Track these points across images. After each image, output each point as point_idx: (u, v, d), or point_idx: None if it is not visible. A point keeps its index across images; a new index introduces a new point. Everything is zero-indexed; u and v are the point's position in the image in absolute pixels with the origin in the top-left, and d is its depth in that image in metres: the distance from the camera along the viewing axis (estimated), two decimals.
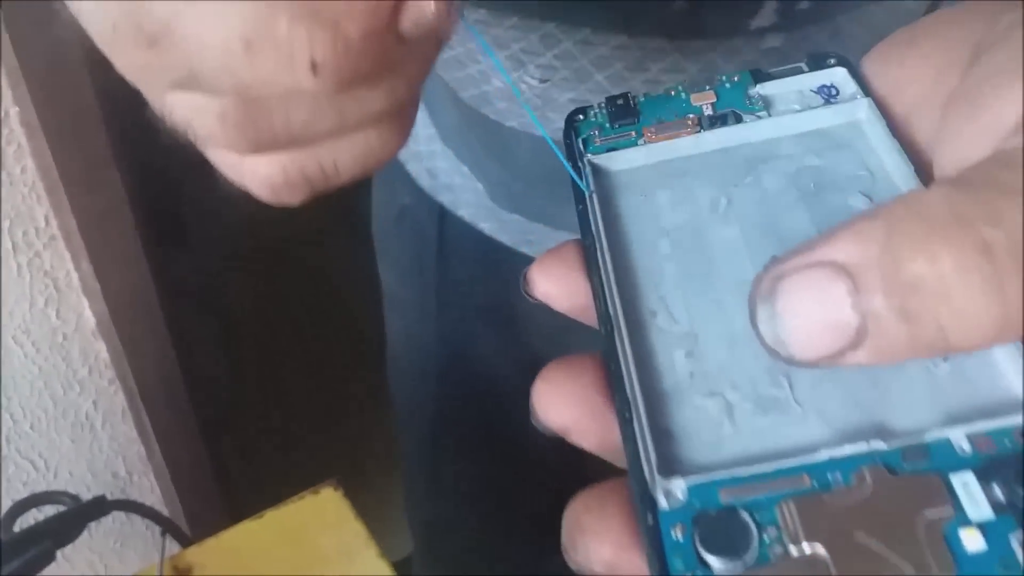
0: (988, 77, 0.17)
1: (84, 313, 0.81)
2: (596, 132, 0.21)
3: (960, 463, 0.14)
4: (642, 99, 0.21)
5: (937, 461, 0.14)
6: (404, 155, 0.53)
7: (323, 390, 1.34)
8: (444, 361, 0.59)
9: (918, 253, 0.13)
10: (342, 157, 0.18)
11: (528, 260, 0.58)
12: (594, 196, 0.20)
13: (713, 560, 0.14)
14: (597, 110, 0.22)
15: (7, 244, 0.73)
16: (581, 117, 0.22)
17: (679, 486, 0.15)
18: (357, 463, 0.93)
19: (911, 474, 0.14)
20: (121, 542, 0.94)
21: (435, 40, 0.17)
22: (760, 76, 0.21)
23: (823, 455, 0.15)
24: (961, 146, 0.16)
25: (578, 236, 0.19)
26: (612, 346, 0.17)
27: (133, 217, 0.76)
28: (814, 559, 0.14)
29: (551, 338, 0.55)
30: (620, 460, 0.16)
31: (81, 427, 0.88)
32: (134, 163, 0.79)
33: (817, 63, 0.21)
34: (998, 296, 0.13)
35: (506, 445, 0.65)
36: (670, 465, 0.15)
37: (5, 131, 0.69)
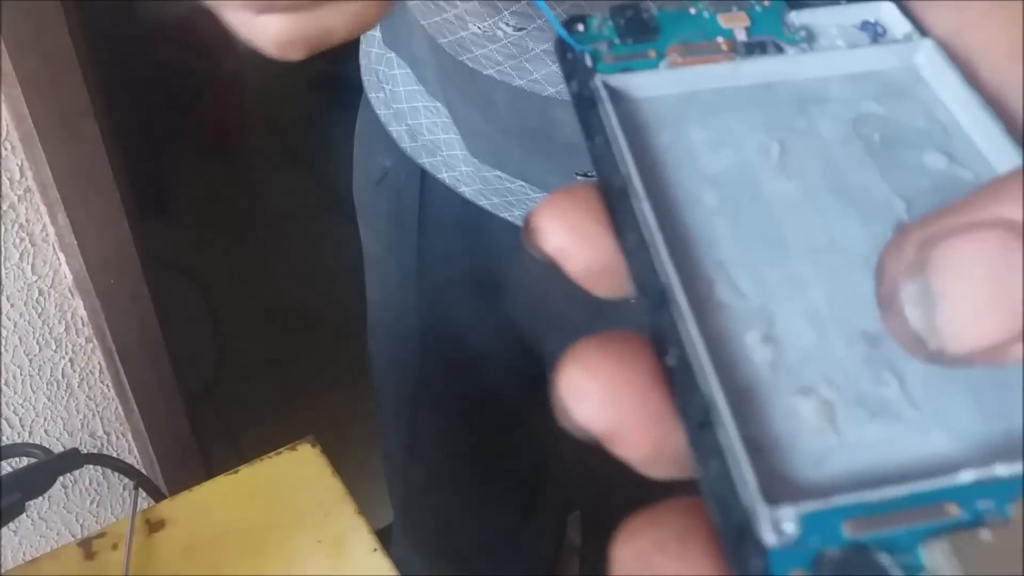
0: None
1: (60, 269, 0.79)
2: (605, 47, 0.17)
3: None
4: (658, 13, 0.17)
5: None
6: (385, 116, 0.52)
7: (306, 358, 1.33)
8: (424, 326, 0.58)
9: None
10: (336, 22, 0.20)
11: (509, 226, 0.57)
12: (616, 124, 0.15)
13: None
14: (600, 21, 0.17)
15: None
16: (581, 27, 0.17)
17: (791, 516, 0.11)
18: (340, 433, 0.92)
19: None
20: (97, 502, 0.93)
21: None
22: (795, 3, 0.18)
23: (968, 476, 0.11)
24: None
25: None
26: (669, 323, 0.13)
27: (112, 171, 0.75)
28: None
29: (532, 305, 0.55)
30: (667, 472, 0.13)
31: (57, 385, 0.87)
32: (116, 122, 0.77)
33: None
34: None
35: (485, 411, 0.64)
36: (773, 488, 0.11)
37: None
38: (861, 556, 0.11)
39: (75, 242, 0.75)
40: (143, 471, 0.51)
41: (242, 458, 0.50)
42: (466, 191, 0.49)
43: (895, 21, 0.18)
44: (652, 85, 0.17)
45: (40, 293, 0.80)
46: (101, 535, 0.46)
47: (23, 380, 0.84)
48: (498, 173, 0.47)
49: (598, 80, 0.16)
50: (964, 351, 0.11)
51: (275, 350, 1.32)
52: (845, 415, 0.12)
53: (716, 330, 0.13)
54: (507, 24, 0.39)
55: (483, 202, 0.49)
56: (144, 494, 0.52)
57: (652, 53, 0.17)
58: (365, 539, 0.45)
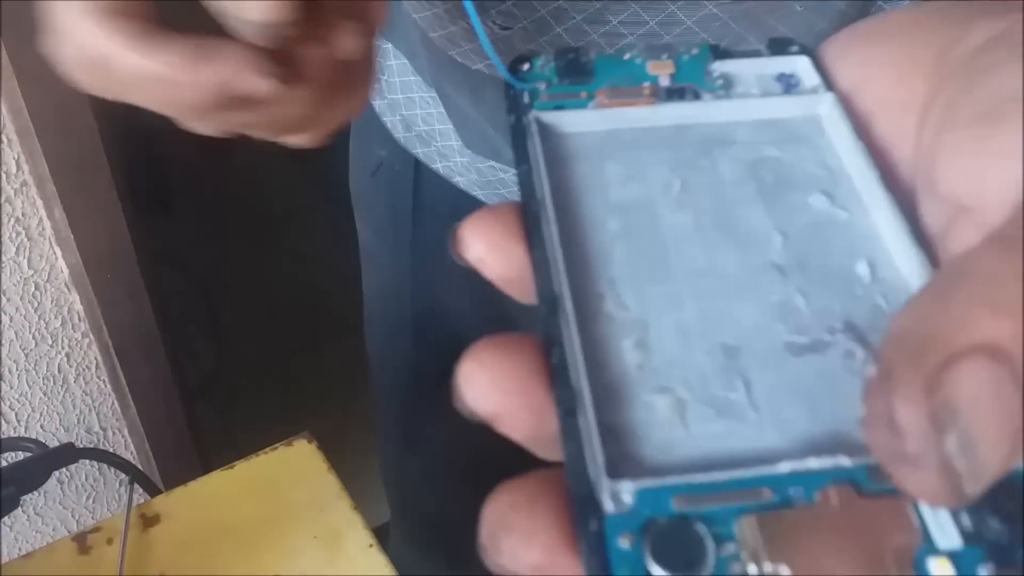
0: (993, 109, 0.15)
1: (57, 263, 0.79)
2: (544, 86, 0.19)
3: None
4: (595, 58, 0.20)
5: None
6: (380, 106, 0.52)
7: (303, 354, 1.33)
8: (419, 317, 0.58)
9: None
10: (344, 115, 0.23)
11: None
12: (540, 155, 0.18)
13: (663, 574, 0.13)
14: (544, 62, 0.20)
15: None
16: (526, 67, 0.20)
17: (628, 489, 0.13)
18: (337, 429, 0.92)
19: (878, 495, 0.13)
20: (93, 497, 0.93)
21: None
22: (719, 53, 0.20)
23: (785, 467, 0.14)
24: (974, 180, 0.15)
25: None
26: (555, 328, 0.15)
27: (109, 167, 0.74)
28: None
29: None
30: (551, 454, 0.15)
31: (53, 380, 0.87)
32: (114, 120, 0.77)
33: (779, 48, 0.20)
34: None
35: None
36: (618, 466, 0.14)
37: None
38: (682, 525, 0.13)
39: (71, 236, 0.75)
40: (139, 467, 0.51)
41: (239, 454, 0.50)
42: (460, 181, 0.49)
43: (808, 74, 0.19)
44: (578, 122, 0.19)
45: (36, 288, 0.80)
46: (96, 529, 0.46)
47: (19, 375, 0.84)
48: (492, 163, 0.47)
49: (532, 115, 0.19)
50: (987, 481, 0.12)
51: (273, 345, 1.32)
52: (694, 412, 0.15)
53: (596, 336, 0.16)
54: (494, 23, 0.39)
55: (477, 192, 0.49)
56: (140, 489, 0.52)
57: (584, 94, 0.19)
58: (361, 535, 0.45)
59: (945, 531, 0.13)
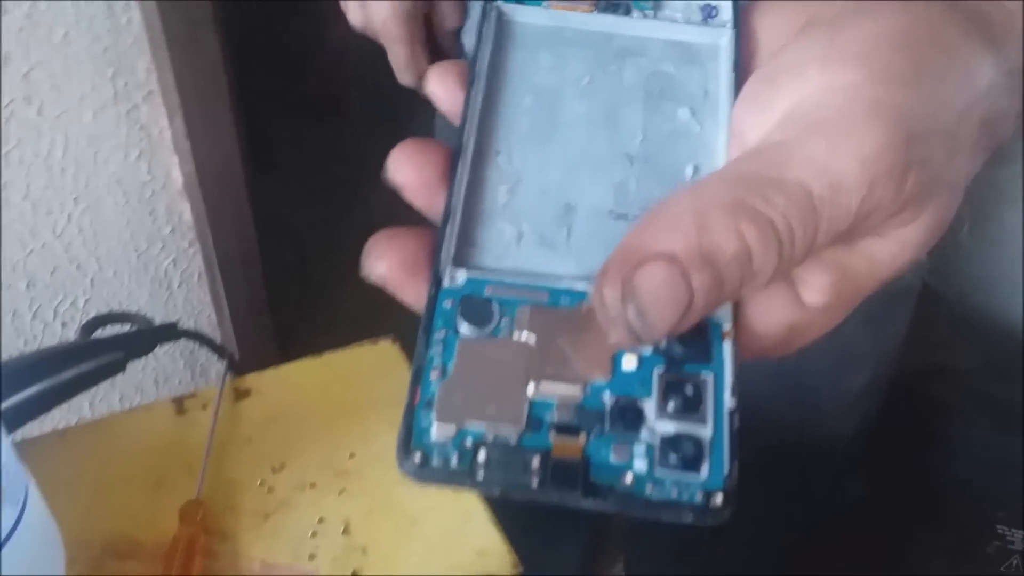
0: (783, 66, 0.21)
1: (173, 172, 0.84)
2: None
3: None
4: None
5: None
6: None
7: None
8: None
9: (727, 234, 0.18)
10: None
11: None
12: (491, 36, 0.23)
13: (463, 326, 0.20)
14: None
15: (109, 92, 0.76)
16: None
17: (461, 275, 0.20)
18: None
19: None
20: (188, 377, 0.98)
21: None
22: None
23: (563, 284, 0.20)
24: (749, 119, 0.21)
25: None
26: (455, 164, 0.21)
27: (227, 80, 0.78)
28: (525, 344, 0.19)
29: None
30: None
31: (159, 284, 0.92)
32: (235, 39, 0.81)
33: None
34: (776, 255, 0.18)
35: None
36: (461, 259, 0.21)
37: None
38: (485, 303, 0.20)
39: (189, 147, 0.80)
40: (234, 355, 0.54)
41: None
42: None
43: (726, 9, 0.24)
44: (528, 16, 0.24)
45: (152, 193, 0.85)
46: (192, 395, 0.49)
47: (129, 275, 0.89)
48: None
49: (495, 3, 0.24)
50: (664, 332, 0.19)
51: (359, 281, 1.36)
52: (527, 241, 0.21)
53: (482, 177, 0.22)
54: None
55: None
56: (231, 375, 0.55)
57: None
58: None
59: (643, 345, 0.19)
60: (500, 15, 0.24)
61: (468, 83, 0.22)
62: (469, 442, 0.19)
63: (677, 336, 0.19)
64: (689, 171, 0.22)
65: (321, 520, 0.43)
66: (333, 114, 1.56)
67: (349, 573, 0.40)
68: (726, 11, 0.24)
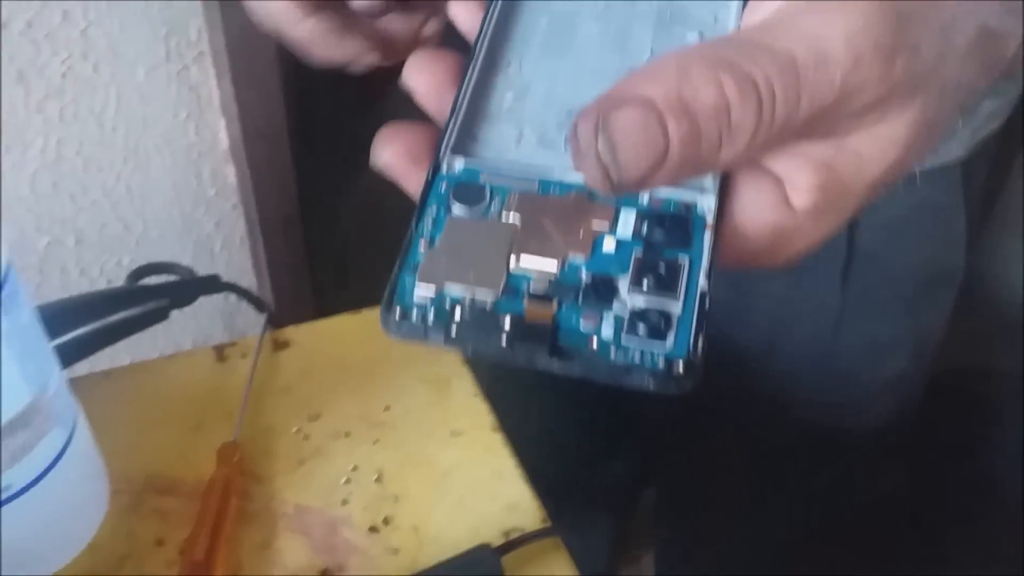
0: None
1: (219, 134, 0.85)
2: None
3: (633, 204, 0.21)
4: None
5: (620, 201, 0.21)
6: None
7: None
8: None
9: (706, 85, 0.18)
10: None
11: None
12: None
13: (455, 206, 0.21)
14: None
15: (161, 51, 0.77)
16: None
17: (459, 162, 0.22)
18: None
19: (600, 202, 0.21)
20: (229, 329, 1.00)
21: None
22: None
23: (555, 176, 0.22)
24: (753, 10, 0.21)
25: None
26: (466, 69, 0.23)
27: (276, 46, 0.79)
28: (511, 224, 0.21)
29: None
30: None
31: (202, 247, 0.94)
32: None
33: None
34: (755, 114, 0.18)
35: None
36: (461, 148, 0.22)
37: None
38: (478, 188, 0.21)
39: (235, 108, 0.81)
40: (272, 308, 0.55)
41: None
42: None
43: None
44: None
45: (199, 155, 0.86)
46: (233, 344, 0.50)
47: (174, 236, 0.91)
48: None
49: None
50: (632, 177, 0.19)
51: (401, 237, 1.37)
52: (527, 140, 0.23)
53: (491, 82, 0.23)
54: None
55: None
56: (270, 328, 0.56)
57: None
58: (467, 384, 0.47)
59: (626, 228, 0.21)
60: None
61: (487, 5, 0.24)
62: (447, 303, 0.20)
63: (659, 222, 0.20)
64: None
65: (355, 468, 0.43)
66: (377, 89, 1.57)
67: (380, 519, 0.41)
68: None
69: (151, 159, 0.84)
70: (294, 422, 0.46)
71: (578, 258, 0.20)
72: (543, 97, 0.23)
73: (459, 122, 0.22)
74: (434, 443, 0.44)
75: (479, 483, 0.42)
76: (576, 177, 0.21)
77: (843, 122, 0.20)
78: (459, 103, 0.22)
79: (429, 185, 0.22)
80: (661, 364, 0.19)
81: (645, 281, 0.20)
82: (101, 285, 0.89)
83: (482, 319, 0.20)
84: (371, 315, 0.52)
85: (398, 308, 0.20)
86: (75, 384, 0.38)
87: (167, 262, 0.59)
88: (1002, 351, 0.87)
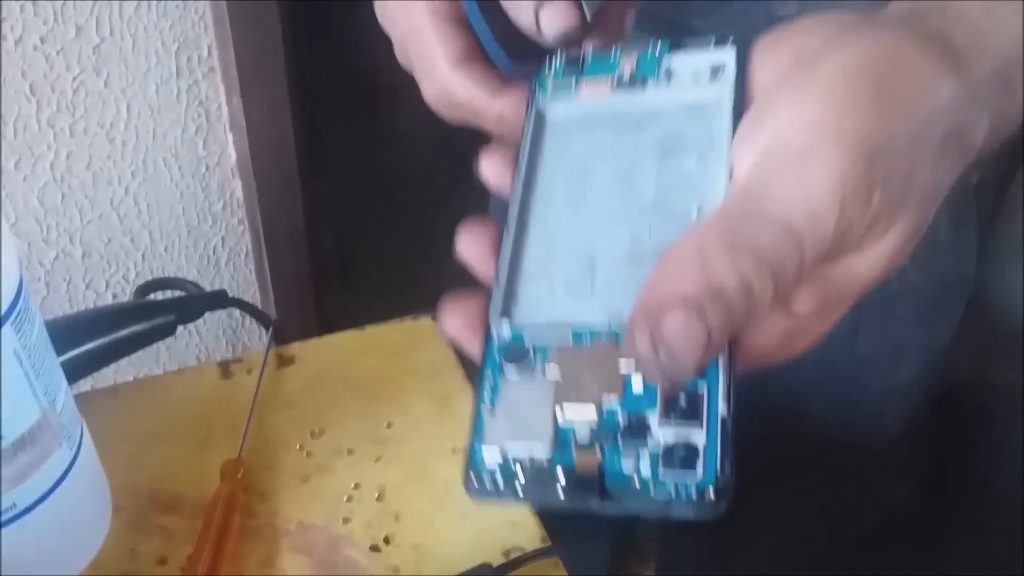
0: (765, 106, 0.23)
1: (227, 149, 0.86)
2: (551, 79, 0.28)
3: None
4: (590, 55, 0.28)
5: None
6: None
7: (434, 255, 1.38)
8: None
9: (729, 270, 0.21)
10: None
11: None
12: (531, 128, 0.28)
13: (506, 368, 0.24)
14: (559, 59, 0.29)
15: (172, 66, 0.78)
16: (548, 62, 0.28)
17: (505, 326, 0.24)
18: None
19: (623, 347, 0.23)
20: (233, 345, 1.01)
21: None
22: (675, 45, 0.27)
23: (584, 323, 0.24)
24: (738, 158, 0.23)
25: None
26: (502, 234, 0.26)
27: (285, 64, 0.80)
28: (552, 379, 0.23)
29: None
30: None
31: (208, 261, 0.95)
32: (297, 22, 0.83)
33: (720, 41, 0.26)
34: (772, 283, 0.21)
35: None
36: (507, 311, 0.25)
37: None
38: (523, 347, 0.24)
39: (244, 123, 0.82)
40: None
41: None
42: None
43: (731, 64, 0.26)
44: (561, 106, 0.28)
45: (207, 169, 0.87)
46: (238, 360, 0.50)
47: (180, 250, 0.92)
48: None
49: (536, 100, 0.28)
50: (688, 372, 0.21)
51: (406, 252, 1.36)
52: (559, 291, 0.25)
53: (523, 243, 0.26)
54: None
55: None
56: (276, 344, 0.56)
57: (572, 84, 0.28)
58: (469, 401, 0.47)
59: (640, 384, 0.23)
60: (538, 110, 0.28)
61: (514, 168, 0.27)
62: (511, 464, 0.22)
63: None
64: (694, 211, 0.25)
65: (357, 486, 0.44)
66: (380, 107, 1.58)
67: (382, 538, 0.41)
68: (731, 66, 0.26)
69: (159, 173, 0.85)
70: (298, 438, 0.46)
71: (612, 400, 0.22)
72: (568, 247, 0.25)
73: (502, 288, 0.25)
74: (436, 460, 0.45)
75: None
76: (601, 321, 0.24)
77: (836, 254, 0.23)
78: (500, 269, 0.25)
79: (484, 353, 0.24)
80: (694, 494, 0.21)
81: (670, 415, 0.22)
82: (107, 298, 0.90)
83: (540, 476, 0.22)
84: (375, 332, 0.52)
85: (472, 473, 0.23)
86: (80, 400, 0.39)
87: (174, 277, 0.59)
88: (1004, 365, 0.87)
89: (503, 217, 0.26)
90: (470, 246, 0.26)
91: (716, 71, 0.26)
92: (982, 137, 0.23)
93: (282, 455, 0.45)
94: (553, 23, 0.27)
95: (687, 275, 0.21)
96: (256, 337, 0.96)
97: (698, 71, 0.27)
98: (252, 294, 1.00)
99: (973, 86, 0.23)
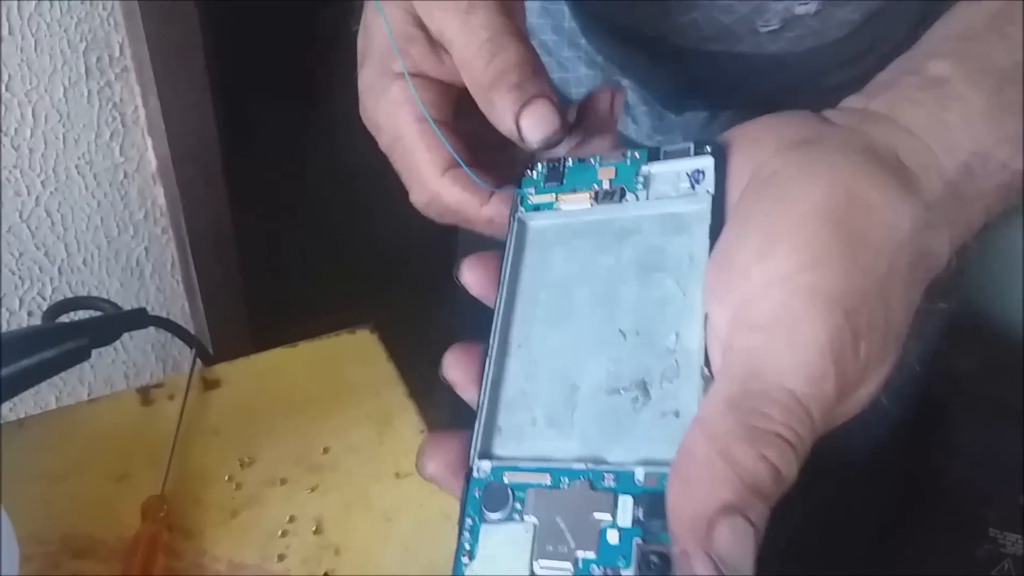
0: (731, 259, 0.23)
1: (146, 154, 0.81)
2: (532, 190, 0.28)
3: (630, 489, 0.22)
4: (570, 165, 0.28)
5: (620, 485, 0.23)
6: None
7: (371, 263, 1.34)
8: None
9: (751, 456, 0.21)
10: None
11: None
12: (512, 243, 0.27)
13: (487, 512, 0.23)
14: (540, 169, 0.28)
15: (81, 67, 0.73)
16: (529, 172, 0.28)
17: (487, 466, 0.24)
18: (401, 328, 0.93)
19: (601, 490, 0.23)
20: (156, 366, 0.95)
21: None
22: (653, 154, 0.27)
23: (562, 462, 0.24)
24: (714, 307, 0.23)
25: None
26: (484, 363, 0.25)
27: (205, 59, 0.76)
28: (528, 525, 0.23)
29: None
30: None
31: (131, 272, 0.89)
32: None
33: (699, 148, 0.26)
34: (795, 458, 0.21)
35: None
36: (487, 452, 0.24)
37: None
38: (502, 488, 0.23)
39: (163, 127, 0.77)
40: (204, 345, 0.52)
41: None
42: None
43: (710, 172, 0.26)
44: (543, 219, 0.28)
45: (125, 176, 0.82)
46: (159, 385, 0.47)
47: (100, 263, 0.87)
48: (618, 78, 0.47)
49: (517, 215, 0.28)
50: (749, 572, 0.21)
51: (342, 259, 1.33)
52: (539, 424, 0.25)
53: (504, 370, 0.26)
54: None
55: None
56: (200, 365, 0.53)
57: (553, 196, 0.28)
58: (413, 420, 0.45)
59: (625, 515, 0.22)
60: (521, 224, 0.28)
61: (498, 284, 0.27)
62: None
63: (653, 505, 0.22)
64: (672, 339, 0.24)
65: (292, 518, 0.40)
66: (315, 98, 1.53)
67: (321, 574, 0.38)
68: (710, 174, 0.26)
69: (73, 182, 0.80)
70: (226, 469, 0.43)
71: (588, 555, 0.22)
72: (549, 374, 0.25)
73: (482, 423, 0.25)
74: (377, 486, 0.42)
75: (426, 527, 0.40)
76: (580, 456, 0.24)
77: (838, 405, 0.23)
78: (481, 403, 0.25)
79: (465, 495, 0.24)
80: None
81: (645, 570, 0.21)
82: (22, 317, 0.84)
83: None
84: (308, 348, 0.49)
85: None
86: None
87: (87, 296, 0.55)
88: (1001, 384, 0.88)
89: (486, 342, 0.26)
90: (455, 370, 0.26)
91: (695, 178, 0.26)
92: (946, 253, 0.24)
93: (209, 488, 0.41)
94: (534, 130, 0.27)
95: (717, 478, 0.21)
96: (186, 351, 0.91)
97: (677, 179, 0.26)
98: (180, 306, 0.95)
99: (929, 209, 0.23)
